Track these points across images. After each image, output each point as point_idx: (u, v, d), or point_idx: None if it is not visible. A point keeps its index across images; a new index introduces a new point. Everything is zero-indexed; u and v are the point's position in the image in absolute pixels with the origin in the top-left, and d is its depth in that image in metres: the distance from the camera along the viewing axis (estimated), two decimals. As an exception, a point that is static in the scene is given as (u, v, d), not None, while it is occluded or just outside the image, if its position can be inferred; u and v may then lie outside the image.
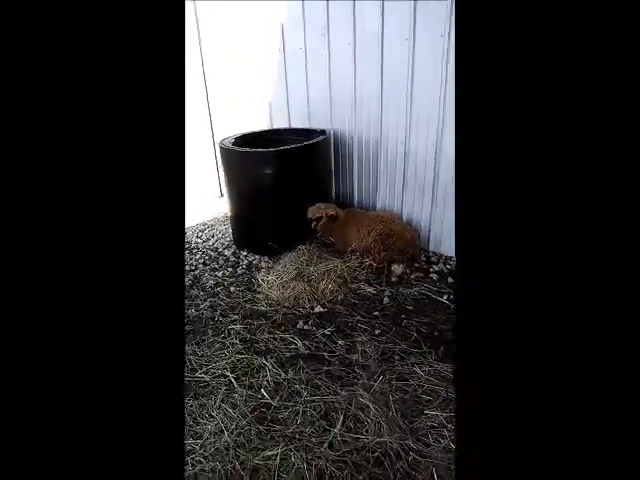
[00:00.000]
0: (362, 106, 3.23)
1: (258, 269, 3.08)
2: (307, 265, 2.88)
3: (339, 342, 2.27)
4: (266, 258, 3.20)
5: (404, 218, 3.30)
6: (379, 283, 2.84)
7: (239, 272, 3.07)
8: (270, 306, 2.62)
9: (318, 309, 2.56)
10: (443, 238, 3.16)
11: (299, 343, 2.26)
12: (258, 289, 2.81)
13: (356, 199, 3.62)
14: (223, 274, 3.05)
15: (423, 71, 2.79)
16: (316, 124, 3.55)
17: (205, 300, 2.72)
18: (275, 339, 2.32)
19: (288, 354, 2.20)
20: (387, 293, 2.70)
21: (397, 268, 2.92)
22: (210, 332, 2.39)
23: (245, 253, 3.31)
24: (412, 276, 2.90)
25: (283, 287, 2.71)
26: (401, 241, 2.99)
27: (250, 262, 3.19)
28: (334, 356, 2.17)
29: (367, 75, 3.09)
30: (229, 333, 2.38)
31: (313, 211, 3.10)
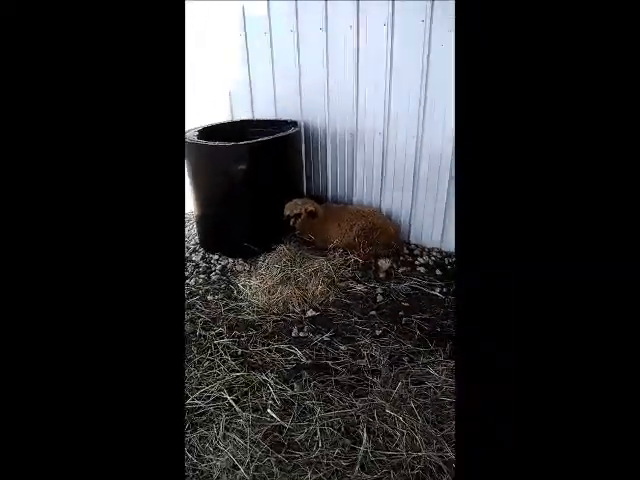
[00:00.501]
0: (336, 96, 3.06)
1: (235, 274, 2.81)
2: (291, 266, 2.67)
3: (341, 347, 2.10)
4: (241, 260, 2.94)
5: (383, 212, 3.19)
6: (368, 280, 2.70)
7: (213, 278, 2.78)
8: (257, 314, 2.38)
9: (310, 313, 2.37)
10: (424, 230, 3.10)
11: (298, 353, 2.06)
12: (240, 296, 2.55)
13: (330, 194, 3.46)
14: (196, 282, 2.74)
15: (403, 59, 2.69)
16: (284, 115, 3.33)
17: (181, 313, 2.41)
18: (270, 351, 2.09)
19: (289, 366, 1.99)
20: (379, 290, 2.57)
21: (384, 263, 2.80)
22: (194, 349, 2.11)
23: (216, 257, 3.01)
24: (400, 270, 2.80)
25: (269, 292, 2.48)
26: (385, 235, 2.89)
27: (224, 266, 2.91)
28: (339, 364, 2.00)
29: (341, 64, 2.93)
30: (216, 348, 2.11)
31: (291, 207, 2.89)
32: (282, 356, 2.06)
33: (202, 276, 2.81)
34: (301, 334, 2.21)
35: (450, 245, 3.02)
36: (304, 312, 2.38)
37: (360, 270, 2.79)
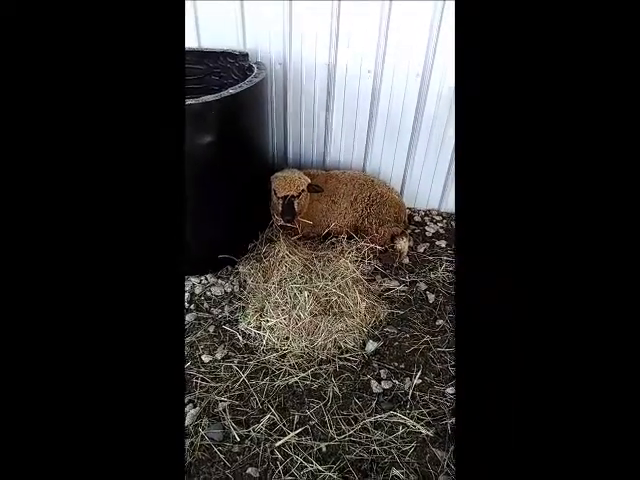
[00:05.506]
0: (305, 9, 2.07)
1: (216, 303, 1.87)
2: (308, 276, 1.87)
3: (447, 391, 1.56)
4: (212, 277, 1.97)
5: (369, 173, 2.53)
6: (395, 272, 2.12)
7: (189, 319, 1.79)
8: (301, 369, 1.60)
9: (371, 345, 1.70)
10: (420, 191, 2.59)
11: (408, 421, 1.44)
12: (254, 343, 1.69)
13: (290, 156, 2.57)
14: (165, 334, 1.71)
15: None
16: (212, 42, 2.17)
17: (180, 404, 1.45)
18: (365, 430, 1.41)
19: (409, 448, 1.36)
20: (421, 285, 2.03)
21: (403, 244, 2.22)
22: (252, 472, 1.28)
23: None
24: (421, 250, 2.28)
25: (305, 330, 1.68)
26: (395, 207, 2.28)
27: (193, 294, 1.90)
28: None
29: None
30: (287, 455, 1.32)
31: (285, 184, 2.01)
32: (387, 433, 1.40)
33: (166, 319, 1.78)
34: (384, 385, 1.56)
35: (451, 205, 2.60)
36: (363, 346, 1.71)
37: (379, 259, 2.17)
